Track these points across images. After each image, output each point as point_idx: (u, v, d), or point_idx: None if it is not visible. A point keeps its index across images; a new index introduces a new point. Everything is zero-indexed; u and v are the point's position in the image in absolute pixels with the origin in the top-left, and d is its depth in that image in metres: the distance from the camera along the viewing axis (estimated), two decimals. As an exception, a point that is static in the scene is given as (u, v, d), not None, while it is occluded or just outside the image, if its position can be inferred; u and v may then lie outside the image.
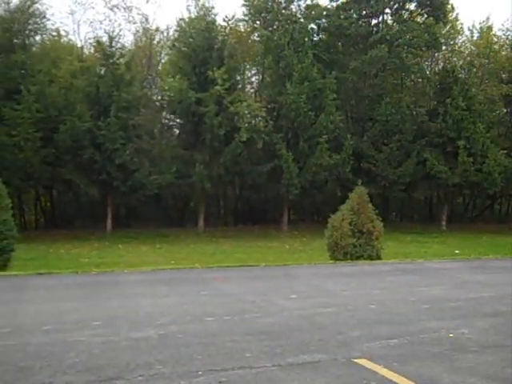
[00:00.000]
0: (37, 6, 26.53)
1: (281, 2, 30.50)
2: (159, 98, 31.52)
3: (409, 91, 31.44)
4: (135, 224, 30.45)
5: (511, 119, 32.85)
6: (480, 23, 34.62)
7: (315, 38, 31.36)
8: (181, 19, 27.77)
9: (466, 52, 34.19)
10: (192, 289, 9.38)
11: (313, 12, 30.87)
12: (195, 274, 11.48)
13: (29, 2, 26.15)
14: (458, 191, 30.17)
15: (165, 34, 33.53)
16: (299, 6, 31.12)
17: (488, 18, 39.93)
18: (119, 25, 52.22)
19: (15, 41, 25.88)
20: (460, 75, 29.47)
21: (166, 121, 32.42)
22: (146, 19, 34.05)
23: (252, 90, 33.98)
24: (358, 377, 4.58)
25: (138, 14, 56.69)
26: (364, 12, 30.94)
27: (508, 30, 33.79)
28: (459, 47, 34.83)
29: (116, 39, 26.88)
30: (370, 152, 28.53)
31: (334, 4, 31.10)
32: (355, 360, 5.04)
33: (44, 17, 27.19)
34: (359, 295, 8.59)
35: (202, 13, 27.20)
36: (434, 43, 30.33)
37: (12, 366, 4.87)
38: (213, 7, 27.39)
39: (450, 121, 28.09)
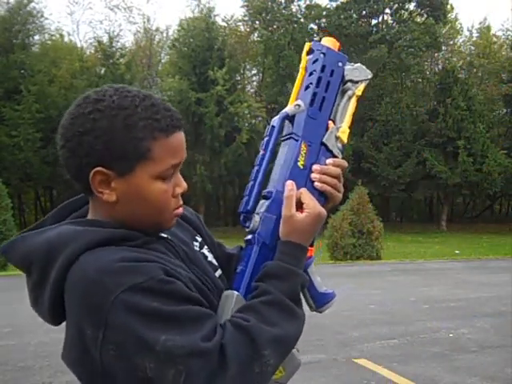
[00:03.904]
0: (33, 5, 26.60)
1: (281, 2, 30.52)
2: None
3: (409, 91, 31.43)
4: (135, 224, 30.43)
5: (511, 119, 32.83)
6: (479, 23, 34.77)
7: (315, 38, 31.35)
8: (181, 19, 27.83)
9: (466, 52, 34.22)
10: (192, 289, 9.37)
11: (313, 12, 30.88)
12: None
13: (25, 1, 26.15)
14: (457, 191, 30.15)
15: (165, 34, 33.62)
16: (299, 6, 31.17)
17: (486, 18, 40.09)
18: (119, 25, 52.29)
19: (15, 41, 25.88)
20: (460, 75, 29.46)
21: (166, 121, 32.41)
22: (148, 19, 34.07)
23: (252, 90, 33.99)
24: (358, 377, 4.58)
25: (139, 14, 56.91)
26: (364, 12, 30.97)
27: (508, 29, 33.88)
28: (459, 47, 34.86)
29: (116, 39, 26.97)
30: (370, 152, 28.52)
31: (334, 4, 31.12)
32: (355, 360, 5.04)
33: (42, 16, 27.26)
34: (359, 295, 8.59)
35: (202, 13, 27.24)
36: (434, 43, 30.35)
37: (12, 366, 4.87)
38: (213, 7, 27.51)
39: (450, 121, 28.06)
